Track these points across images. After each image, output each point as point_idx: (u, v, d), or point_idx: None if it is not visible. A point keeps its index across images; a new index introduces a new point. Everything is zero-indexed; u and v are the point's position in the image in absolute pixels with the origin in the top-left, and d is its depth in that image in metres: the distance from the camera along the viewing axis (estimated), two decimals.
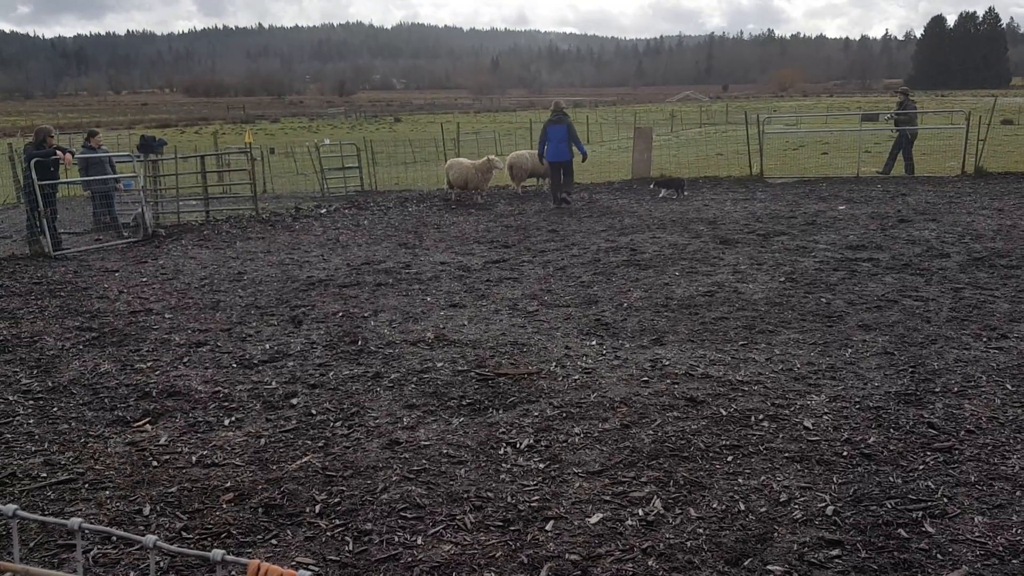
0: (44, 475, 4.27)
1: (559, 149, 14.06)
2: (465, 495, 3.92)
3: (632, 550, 3.41)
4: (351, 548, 3.49)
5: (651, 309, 7.23)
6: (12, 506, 1.25)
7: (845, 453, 4.25)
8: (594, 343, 6.29)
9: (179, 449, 4.57)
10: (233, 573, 3.39)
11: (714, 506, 3.75)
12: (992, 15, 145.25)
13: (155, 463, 4.40)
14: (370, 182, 19.05)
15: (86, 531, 1.20)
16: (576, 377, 5.53)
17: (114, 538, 3.68)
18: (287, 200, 16.96)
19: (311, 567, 3.32)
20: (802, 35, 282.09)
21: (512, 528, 3.62)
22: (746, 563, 3.30)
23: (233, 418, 5.00)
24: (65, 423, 5.00)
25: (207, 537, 3.62)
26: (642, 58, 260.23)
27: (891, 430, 4.52)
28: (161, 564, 3.44)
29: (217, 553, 1.23)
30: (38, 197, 10.87)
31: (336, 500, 3.91)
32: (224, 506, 3.90)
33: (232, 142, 30.57)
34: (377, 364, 5.93)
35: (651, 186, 15.40)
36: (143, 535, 1.60)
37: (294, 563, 3.42)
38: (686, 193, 14.88)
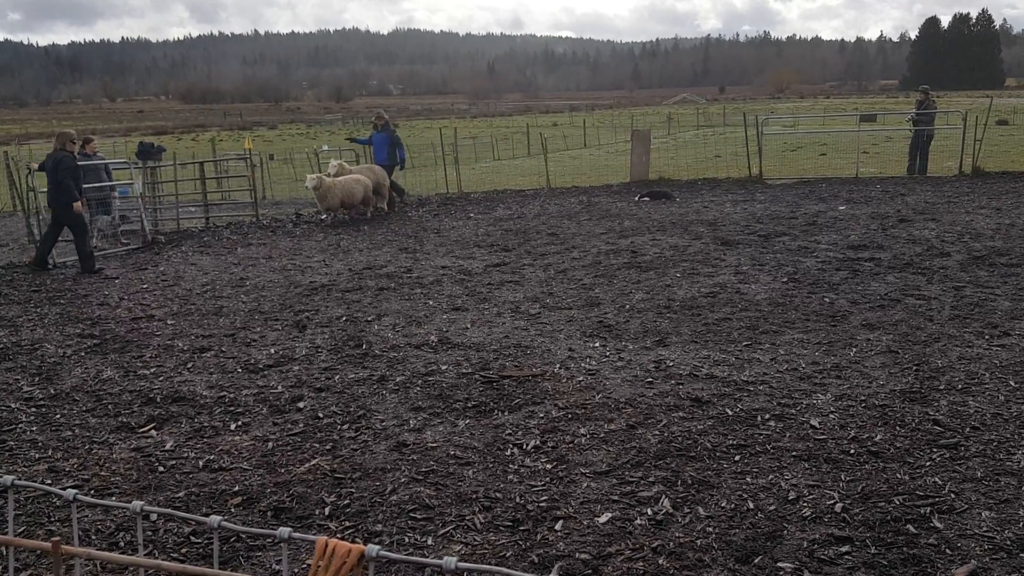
0: (49, 482, 4.26)
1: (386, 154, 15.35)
2: (474, 496, 3.92)
3: (642, 549, 3.41)
4: None
5: (653, 311, 7.24)
6: (72, 491, 1.27)
7: (852, 451, 4.26)
8: (597, 345, 6.30)
9: (185, 454, 4.57)
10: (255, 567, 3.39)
11: (723, 505, 3.76)
12: (985, 16, 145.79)
13: (161, 468, 4.39)
14: None
15: (148, 513, 1.20)
16: (580, 379, 5.53)
17: (119, 543, 3.68)
18: (287, 206, 16.95)
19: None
20: (798, 37, 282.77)
21: (522, 528, 3.62)
22: (756, 560, 3.31)
23: (240, 422, 5.00)
24: (69, 430, 4.99)
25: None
26: (638, 61, 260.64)
27: (897, 427, 4.53)
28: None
29: (284, 531, 1.25)
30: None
31: (346, 502, 3.91)
32: (232, 510, 3.90)
33: (230, 149, 30.56)
34: (382, 367, 5.94)
35: (637, 198, 15.31)
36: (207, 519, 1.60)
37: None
38: (677, 200, 14.87)
